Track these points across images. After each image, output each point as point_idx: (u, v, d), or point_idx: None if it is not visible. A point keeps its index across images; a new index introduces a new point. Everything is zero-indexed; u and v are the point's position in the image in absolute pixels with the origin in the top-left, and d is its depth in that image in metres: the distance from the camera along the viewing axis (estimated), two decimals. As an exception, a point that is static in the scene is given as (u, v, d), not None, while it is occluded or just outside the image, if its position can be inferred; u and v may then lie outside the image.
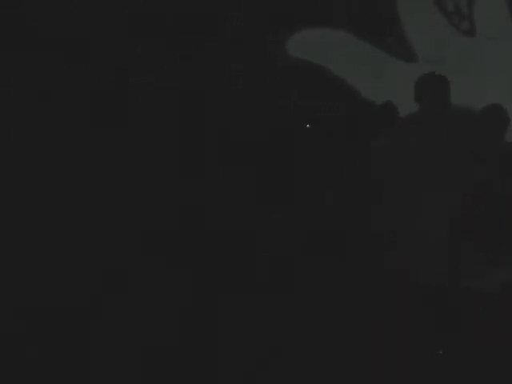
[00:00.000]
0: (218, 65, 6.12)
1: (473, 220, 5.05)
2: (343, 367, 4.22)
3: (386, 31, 6.54)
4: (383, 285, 4.78)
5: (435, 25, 6.59)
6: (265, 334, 4.47)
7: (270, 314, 4.74)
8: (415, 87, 5.78)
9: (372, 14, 6.43)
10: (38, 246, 5.32)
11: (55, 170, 5.56)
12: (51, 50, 5.68)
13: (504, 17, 6.60)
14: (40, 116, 5.62)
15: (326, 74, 6.50)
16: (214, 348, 4.34)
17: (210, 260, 4.96)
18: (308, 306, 4.79)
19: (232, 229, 5.19)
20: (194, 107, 5.71)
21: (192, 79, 5.92)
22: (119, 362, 4.57)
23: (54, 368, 4.71)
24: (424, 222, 5.25)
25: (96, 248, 5.21)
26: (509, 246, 5.03)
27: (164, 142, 5.67)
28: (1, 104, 5.62)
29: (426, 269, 5.05)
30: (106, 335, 4.79)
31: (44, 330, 4.86)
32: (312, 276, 4.91)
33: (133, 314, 4.63)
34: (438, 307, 4.80)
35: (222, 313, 4.68)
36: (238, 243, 5.10)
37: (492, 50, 6.48)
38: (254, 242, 5.07)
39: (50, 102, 5.60)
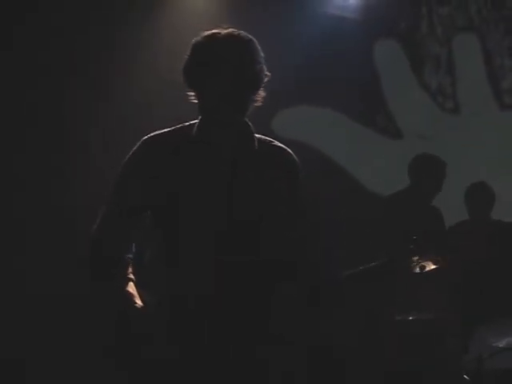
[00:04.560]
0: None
1: None
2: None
3: (372, 109, 6.64)
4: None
5: (420, 103, 6.71)
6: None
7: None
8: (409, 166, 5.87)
9: (359, 94, 6.51)
10: None
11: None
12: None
13: (486, 95, 6.74)
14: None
15: (313, 152, 6.56)
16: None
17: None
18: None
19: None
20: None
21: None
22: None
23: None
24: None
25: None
26: None
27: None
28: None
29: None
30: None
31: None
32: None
33: None
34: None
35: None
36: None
37: (477, 125, 6.59)
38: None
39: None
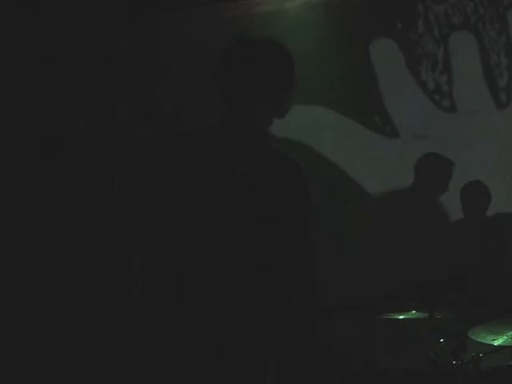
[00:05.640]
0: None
1: None
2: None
3: (368, 108, 6.63)
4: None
5: (417, 102, 6.70)
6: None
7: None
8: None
9: (355, 92, 6.51)
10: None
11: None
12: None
13: (483, 93, 6.73)
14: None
15: (307, 151, 6.55)
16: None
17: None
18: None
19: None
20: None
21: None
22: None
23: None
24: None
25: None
26: None
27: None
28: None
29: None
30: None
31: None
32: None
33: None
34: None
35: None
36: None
37: (473, 124, 6.58)
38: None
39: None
